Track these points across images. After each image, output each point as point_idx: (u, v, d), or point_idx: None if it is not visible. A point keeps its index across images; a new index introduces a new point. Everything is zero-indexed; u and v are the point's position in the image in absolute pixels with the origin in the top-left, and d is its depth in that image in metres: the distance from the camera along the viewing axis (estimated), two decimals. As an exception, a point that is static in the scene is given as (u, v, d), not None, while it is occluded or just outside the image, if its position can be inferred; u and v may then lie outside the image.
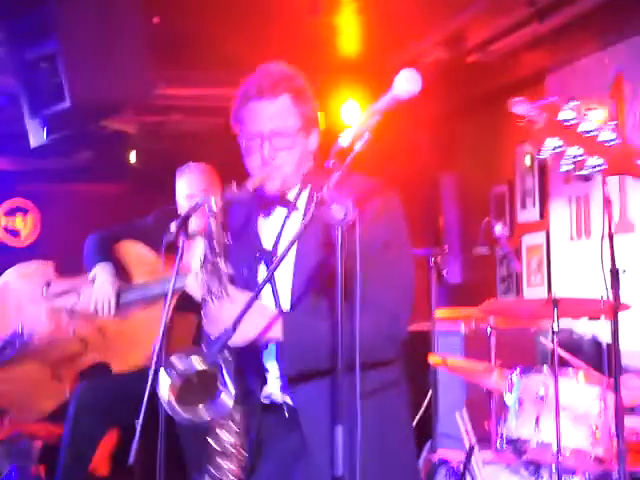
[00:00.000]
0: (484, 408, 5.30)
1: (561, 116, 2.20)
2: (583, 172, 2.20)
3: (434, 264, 6.87)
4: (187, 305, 4.52)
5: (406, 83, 2.70)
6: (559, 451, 4.49)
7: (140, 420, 4.46)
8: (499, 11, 7.75)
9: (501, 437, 4.80)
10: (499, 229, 8.06)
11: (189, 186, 5.09)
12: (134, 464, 4.45)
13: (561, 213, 8.23)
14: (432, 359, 5.96)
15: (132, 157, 9.66)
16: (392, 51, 7.91)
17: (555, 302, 4.74)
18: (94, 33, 6.13)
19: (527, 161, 8.59)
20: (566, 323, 5.68)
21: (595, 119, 2.19)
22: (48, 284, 5.21)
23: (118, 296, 5.00)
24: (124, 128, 7.37)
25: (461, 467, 4.80)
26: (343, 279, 2.62)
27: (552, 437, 4.51)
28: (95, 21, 6.15)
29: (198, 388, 3.12)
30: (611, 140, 2.19)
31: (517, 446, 4.71)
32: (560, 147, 2.20)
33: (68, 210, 10.63)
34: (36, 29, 6.23)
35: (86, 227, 5.46)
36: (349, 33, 8.18)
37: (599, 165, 2.19)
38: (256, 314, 2.93)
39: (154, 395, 4.00)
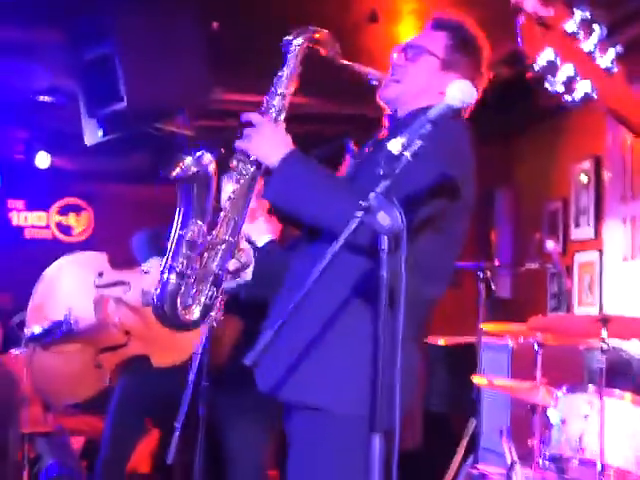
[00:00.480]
0: (528, 425, 5.26)
1: (567, 27, 2.14)
2: (572, 96, 2.13)
3: (484, 278, 6.83)
4: (232, 307, 4.51)
5: (459, 93, 2.68)
6: (603, 470, 4.46)
7: (180, 421, 4.50)
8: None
9: (543, 455, 4.77)
10: (551, 245, 8.01)
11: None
12: (173, 463, 4.51)
13: (615, 233, 8.15)
14: (477, 380, 5.94)
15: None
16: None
17: (605, 320, 4.71)
18: (152, 36, 6.16)
19: (583, 179, 8.53)
20: (616, 343, 5.61)
21: (598, 40, 2.14)
22: (101, 274, 5.22)
23: None
24: (180, 130, 7.38)
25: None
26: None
27: (596, 456, 4.48)
28: (153, 24, 6.19)
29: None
30: (609, 68, 2.14)
31: (559, 464, 4.68)
32: (555, 61, 2.12)
33: (121, 210, 10.72)
34: (95, 31, 6.26)
35: (138, 228, 5.47)
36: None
37: (589, 93, 2.12)
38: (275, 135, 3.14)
39: (194, 396, 4.02)
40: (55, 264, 5.37)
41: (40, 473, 6.37)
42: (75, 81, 6.58)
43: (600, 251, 8.37)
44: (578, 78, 2.09)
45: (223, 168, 3.87)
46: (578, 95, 2.10)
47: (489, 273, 7.08)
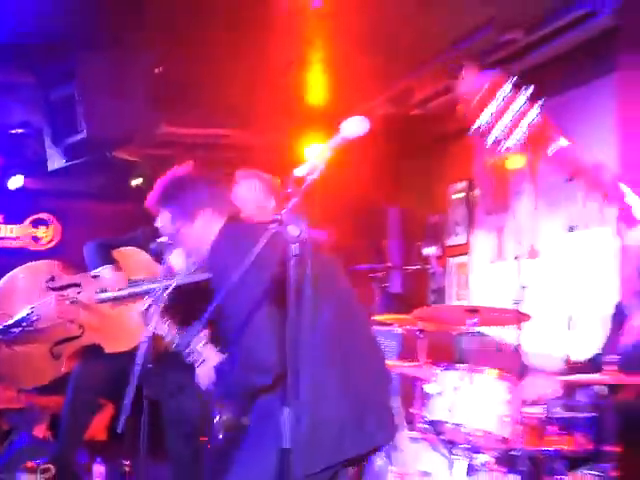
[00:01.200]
0: (412, 396, 5.28)
1: (500, 93, 2.14)
2: (508, 143, 2.15)
3: (377, 278, 6.88)
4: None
5: (353, 126, 2.70)
6: (470, 432, 4.51)
7: (128, 397, 4.45)
8: (440, 76, 7.76)
9: (424, 420, 4.80)
10: (428, 251, 8.12)
11: None
12: (123, 431, 4.46)
13: (483, 240, 8.29)
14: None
15: (137, 182, 9.64)
16: (351, 104, 7.92)
17: (473, 310, 4.76)
18: (107, 79, 6.16)
19: (458, 197, 8.66)
20: (482, 329, 5.67)
21: (520, 103, 2.14)
22: (52, 278, 5.18)
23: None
24: (128, 157, 7.39)
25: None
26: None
27: (464, 420, 4.53)
28: (108, 70, 6.18)
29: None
30: (533, 119, 2.15)
31: (437, 427, 4.71)
32: (492, 119, 2.13)
33: (82, 223, 10.68)
34: (60, 75, 6.23)
35: (95, 237, 5.42)
36: (316, 88, 8.19)
37: (520, 139, 2.13)
38: None
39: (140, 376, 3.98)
40: (15, 270, 5.32)
41: (12, 443, 6.26)
42: (43, 116, 6.50)
43: (470, 255, 8.49)
44: (512, 129, 2.11)
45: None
46: (512, 142, 2.13)
47: (382, 274, 7.13)
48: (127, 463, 6.71)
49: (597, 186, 2.23)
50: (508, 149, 2.15)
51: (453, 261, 8.87)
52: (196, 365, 3.54)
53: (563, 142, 2.20)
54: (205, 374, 3.43)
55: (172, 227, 3.54)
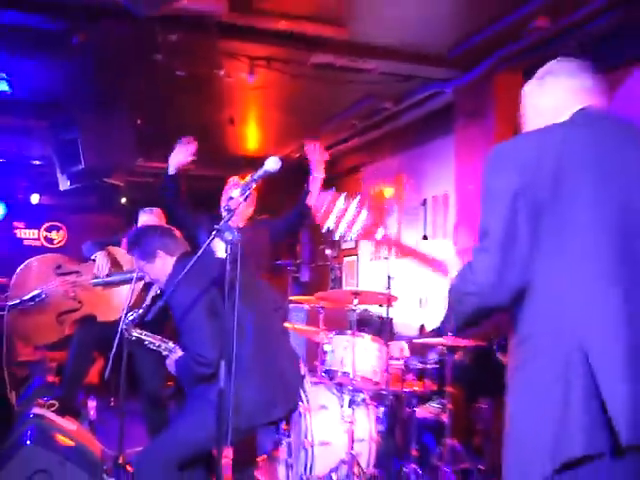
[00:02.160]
0: (315, 354, 5.26)
1: (337, 206, 2.19)
2: (348, 237, 2.20)
3: (292, 270, 6.87)
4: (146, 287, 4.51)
5: (272, 165, 2.69)
6: (353, 377, 4.50)
7: (112, 353, 4.36)
8: (336, 131, 7.79)
9: (322, 370, 4.78)
10: (328, 252, 8.12)
11: (148, 223, 5.01)
12: (109, 378, 4.39)
13: (366, 245, 8.31)
14: (286, 325, 5.95)
15: (122, 200, 9.55)
16: (272, 150, 7.93)
17: (357, 293, 4.76)
18: (100, 127, 6.10)
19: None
20: (363, 306, 5.67)
21: (353, 210, 2.19)
22: (59, 266, 5.10)
23: (108, 275, 4.92)
24: (117, 183, 7.32)
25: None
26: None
27: (349, 370, 4.53)
28: (101, 120, 6.11)
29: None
30: (362, 220, 2.18)
31: (330, 375, 4.69)
32: (335, 226, 2.19)
33: (83, 229, 10.67)
34: (66, 123, 6.14)
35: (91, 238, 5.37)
36: (252, 138, 8.16)
37: (353, 235, 2.18)
38: None
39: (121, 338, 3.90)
40: (30, 260, 5.22)
41: (29, 385, 6.09)
42: (54, 152, 6.38)
43: (357, 255, 8.51)
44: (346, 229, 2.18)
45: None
46: (349, 237, 2.20)
47: (295, 268, 7.12)
48: (112, 399, 6.61)
49: (409, 253, 2.25)
50: (351, 239, 2.25)
51: (346, 260, 8.86)
52: (165, 355, 3.48)
53: (381, 231, 2.23)
54: (171, 363, 3.37)
55: (138, 265, 3.46)
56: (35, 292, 4.81)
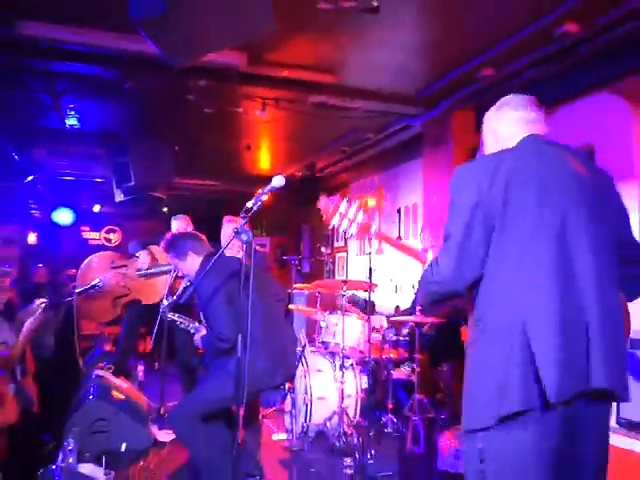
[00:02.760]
0: (314, 328, 5.26)
1: (340, 208, 2.20)
2: (349, 233, 2.20)
3: (295, 264, 6.85)
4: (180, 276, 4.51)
5: (278, 181, 2.67)
6: (343, 347, 4.50)
7: (155, 328, 4.35)
8: (330, 156, 7.78)
9: (319, 341, 4.77)
10: (323, 249, 8.11)
11: (179, 226, 4.98)
12: (154, 348, 4.39)
13: (354, 243, 8.28)
14: (291, 307, 5.95)
15: (164, 209, 9.52)
16: (279, 170, 7.92)
17: (345, 281, 4.75)
18: (146, 153, 6.08)
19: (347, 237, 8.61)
20: (351, 291, 5.65)
21: (353, 211, 2.20)
22: (112, 261, 5.12)
23: (148, 268, 4.90)
24: (159, 195, 7.31)
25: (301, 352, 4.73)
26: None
27: (340, 341, 4.52)
28: (147, 147, 6.11)
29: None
30: (360, 220, 2.21)
31: (326, 345, 4.69)
32: (338, 223, 2.20)
33: (134, 232, 10.60)
34: (120, 149, 6.12)
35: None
36: (264, 161, 8.15)
37: (353, 230, 2.20)
38: None
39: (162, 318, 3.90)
40: (91, 256, 5.24)
41: (92, 353, 6.09)
42: (111, 172, 6.36)
43: (347, 252, 8.48)
44: (348, 228, 2.21)
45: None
46: (350, 234, 2.23)
47: (298, 261, 7.10)
48: (156, 364, 6.61)
49: (394, 244, 2.33)
50: (351, 235, 2.24)
51: (337, 255, 8.83)
52: (193, 333, 3.47)
53: (375, 227, 2.26)
54: (198, 339, 3.35)
55: (172, 262, 3.43)
56: (95, 281, 4.82)
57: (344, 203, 2.20)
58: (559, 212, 1.73)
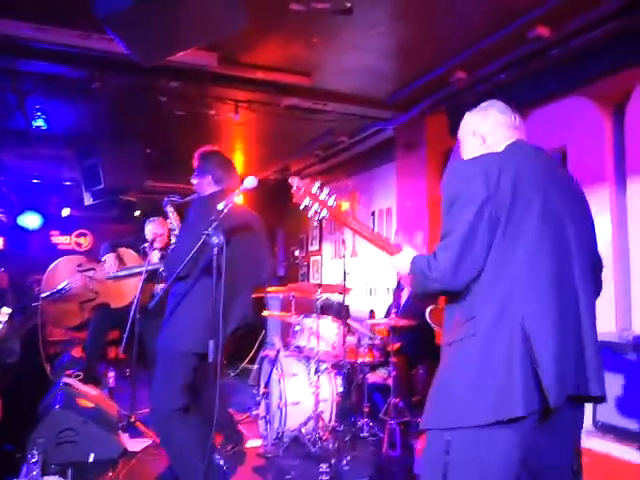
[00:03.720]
0: (288, 332, 5.18)
1: (312, 189, 2.10)
2: (321, 216, 2.11)
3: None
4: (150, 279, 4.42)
5: (250, 182, 2.62)
6: (318, 352, 4.43)
7: (126, 333, 4.23)
8: (304, 159, 7.73)
9: (293, 345, 4.70)
10: (297, 252, 8.04)
11: (154, 229, 4.88)
12: (125, 352, 4.29)
13: (328, 247, 8.24)
14: (265, 313, 5.88)
15: (136, 213, 9.34)
16: (254, 173, 7.83)
17: (320, 285, 4.69)
18: (116, 155, 5.93)
19: (315, 223, 8.57)
20: (325, 295, 5.60)
21: (325, 194, 2.11)
22: (79, 265, 5.00)
23: (118, 268, 4.81)
24: (131, 199, 7.16)
25: (275, 357, 4.65)
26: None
27: (314, 345, 4.46)
28: (117, 149, 5.94)
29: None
30: (333, 204, 2.12)
31: (300, 348, 4.62)
32: (310, 204, 2.10)
33: (105, 236, 10.39)
34: (90, 152, 5.97)
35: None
36: (238, 163, 8.01)
37: (325, 215, 2.11)
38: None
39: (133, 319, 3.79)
40: (57, 260, 5.12)
41: (60, 359, 5.92)
42: (80, 175, 6.21)
43: (321, 255, 8.43)
44: (320, 209, 2.10)
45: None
46: (321, 216, 2.11)
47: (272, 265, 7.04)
48: (127, 370, 6.47)
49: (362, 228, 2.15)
50: (323, 217, 2.12)
51: (312, 258, 8.78)
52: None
53: (345, 205, 2.16)
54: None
55: (195, 176, 3.31)
56: (62, 285, 4.70)
57: (316, 185, 2.11)
58: (559, 222, 1.74)
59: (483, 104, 2.02)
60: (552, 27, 3.86)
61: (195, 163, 3.31)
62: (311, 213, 2.11)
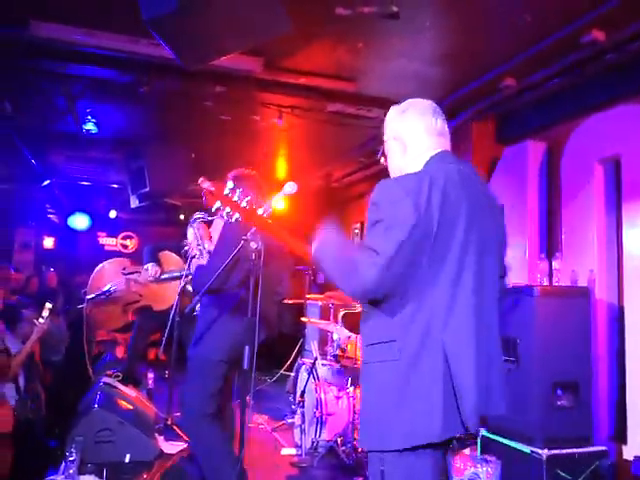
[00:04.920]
0: (325, 340, 5.14)
1: (225, 191, 2.06)
2: (233, 218, 2.06)
3: (309, 274, 6.73)
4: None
5: (289, 188, 2.60)
6: (355, 361, 4.37)
7: (165, 335, 4.26)
8: (347, 165, 7.69)
9: (331, 354, 4.65)
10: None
11: (196, 232, 4.89)
12: (165, 353, 4.33)
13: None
14: (304, 319, 5.84)
15: (181, 216, 9.46)
16: (295, 178, 7.83)
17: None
18: (162, 158, 6.03)
19: (356, 230, 8.48)
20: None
21: (237, 196, 2.07)
22: (124, 268, 5.09)
23: (159, 274, 4.84)
24: (176, 202, 7.25)
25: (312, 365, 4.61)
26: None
27: (352, 354, 4.41)
28: (163, 152, 6.04)
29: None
30: (246, 206, 2.07)
31: (337, 358, 4.57)
32: (222, 207, 2.04)
33: (150, 238, 10.64)
34: (136, 155, 6.08)
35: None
36: (281, 169, 8.07)
37: (238, 217, 2.06)
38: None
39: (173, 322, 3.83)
40: (102, 263, 5.23)
41: (102, 359, 6.04)
42: (127, 177, 6.33)
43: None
44: (233, 212, 2.06)
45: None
46: (234, 218, 2.08)
47: (312, 271, 6.99)
48: (167, 372, 6.53)
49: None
50: (236, 219, 2.07)
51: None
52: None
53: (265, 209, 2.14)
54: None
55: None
56: (106, 287, 4.78)
57: (228, 187, 2.06)
58: (479, 252, 1.74)
59: (403, 104, 1.92)
60: (607, 31, 3.70)
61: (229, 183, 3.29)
62: (224, 216, 2.06)
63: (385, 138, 1.96)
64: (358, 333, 4.55)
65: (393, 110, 1.93)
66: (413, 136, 1.85)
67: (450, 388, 1.62)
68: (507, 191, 5.07)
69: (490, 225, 1.80)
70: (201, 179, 2.15)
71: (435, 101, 2.02)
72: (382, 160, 2.03)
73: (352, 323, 4.78)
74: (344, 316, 2.12)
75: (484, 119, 5.34)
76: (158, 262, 4.86)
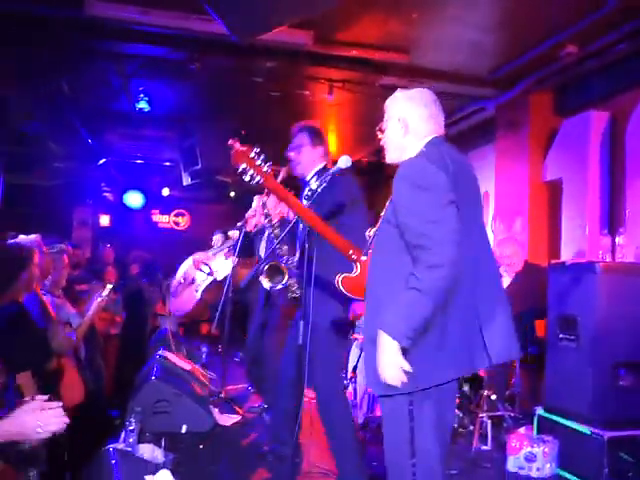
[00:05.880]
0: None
1: (250, 154, 2.34)
2: (255, 181, 2.35)
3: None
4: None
5: (344, 162, 2.58)
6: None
7: (218, 311, 4.33)
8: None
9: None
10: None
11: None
12: (217, 328, 4.44)
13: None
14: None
15: (231, 194, 9.53)
16: (349, 152, 7.78)
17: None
18: (213, 135, 6.08)
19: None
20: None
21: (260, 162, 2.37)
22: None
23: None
24: (226, 179, 7.29)
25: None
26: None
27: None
28: (214, 130, 6.10)
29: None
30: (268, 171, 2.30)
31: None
32: (247, 168, 2.34)
33: (202, 215, 10.77)
34: (187, 133, 6.15)
35: (208, 225, 5.47)
36: (331, 145, 7.98)
37: (259, 180, 2.32)
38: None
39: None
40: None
41: (158, 333, 6.17)
42: (179, 155, 6.41)
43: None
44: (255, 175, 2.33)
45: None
46: (256, 180, 2.36)
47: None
48: (220, 347, 6.67)
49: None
50: (257, 183, 2.34)
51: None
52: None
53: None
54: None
55: (300, 142, 3.26)
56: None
57: (254, 151, 2.27)
58: (473, 221, 1.95)
59: (410, 91, 2.07)
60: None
61: (301, 135, 3.24)
62: (247, 178, 2.23)
63: (387, 117, 2.10)
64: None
65: (401, 94, 2.08)
66: (417, 121, 2.01)
67: (476, 325, 1.84)
68: (566, 165, 4.89)
69: (475, 189, 2.06)
70: (231, 140, 2.25)
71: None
72: (380, 135, 2.16)
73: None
74: (343, 279, 2.10)
75: (543, 90, 5.15)
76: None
